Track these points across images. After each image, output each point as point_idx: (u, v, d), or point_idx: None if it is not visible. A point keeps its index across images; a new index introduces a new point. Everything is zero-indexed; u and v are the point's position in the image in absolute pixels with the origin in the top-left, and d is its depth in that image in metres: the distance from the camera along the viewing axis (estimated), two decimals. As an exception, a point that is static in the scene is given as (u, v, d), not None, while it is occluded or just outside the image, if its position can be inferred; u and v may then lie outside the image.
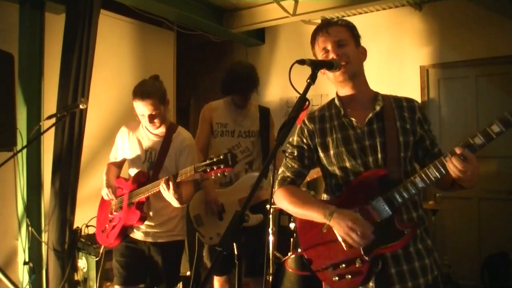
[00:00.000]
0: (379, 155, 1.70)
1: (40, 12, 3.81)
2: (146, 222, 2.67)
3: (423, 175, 1.60)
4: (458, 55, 4.47)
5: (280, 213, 4.85)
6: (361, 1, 4.36)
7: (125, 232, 2.70)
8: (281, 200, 1.81)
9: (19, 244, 3.60)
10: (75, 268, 3.67)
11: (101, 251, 3.40)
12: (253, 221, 2.94)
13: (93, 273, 3.55)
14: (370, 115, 1.76)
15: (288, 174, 1.85)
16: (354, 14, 4.97)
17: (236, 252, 1.35)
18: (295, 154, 1.85)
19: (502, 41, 4.24)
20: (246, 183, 2.98)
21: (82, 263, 3.66)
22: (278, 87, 5.45)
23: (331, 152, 1.77)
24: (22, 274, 3.61)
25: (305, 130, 1.85)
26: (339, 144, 1.75)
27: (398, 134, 1.70)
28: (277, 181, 1.86)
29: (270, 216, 3.37)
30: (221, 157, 2.28)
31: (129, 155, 2.80)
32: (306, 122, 1.86)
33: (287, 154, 1.89)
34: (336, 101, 1.84)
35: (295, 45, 5.38)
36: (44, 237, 3.74)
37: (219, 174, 2.32)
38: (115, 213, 2.75)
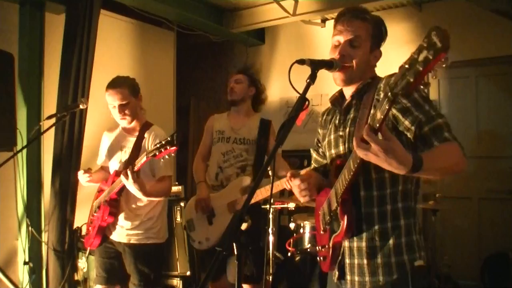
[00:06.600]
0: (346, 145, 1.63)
1: (40, 12, 3.81)
2: (121, 223, 2.68)
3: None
4: (458, 55, 4.45)
5: (280, 213, 4.85)
6: (361, 1, 4.35)
7: (102, 232, 2.71)
8: None
9: (19, 244, 3.60)
10: (75, 268, 3.67)
11: (87, 253, 3.46)
12: None
13: (93, 273, 3.54)
14: (344, 106, 1.67)
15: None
16: (354, 14, 4.97)
17: (236, 253, 1.35)
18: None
19: (502, 41, 4.24)
20: (235, 187, 2.97)
21: (82, 263, 3.66)
22: (278, 87, 5.45)
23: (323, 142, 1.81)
24: (22, 274, 3.60)
25: None
26: (327, 135, 1.77)
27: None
28: None
29: (270, 216, 3.38)
30: (169, 138, 2.33)
31: (109, 158, 2.82)
32: None
33: None
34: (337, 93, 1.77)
35: (295, 45, 5.38)
36: (44, 237, 3.74)
37: (167, 156, 2.35)
38: (95, 214, 2.77)
